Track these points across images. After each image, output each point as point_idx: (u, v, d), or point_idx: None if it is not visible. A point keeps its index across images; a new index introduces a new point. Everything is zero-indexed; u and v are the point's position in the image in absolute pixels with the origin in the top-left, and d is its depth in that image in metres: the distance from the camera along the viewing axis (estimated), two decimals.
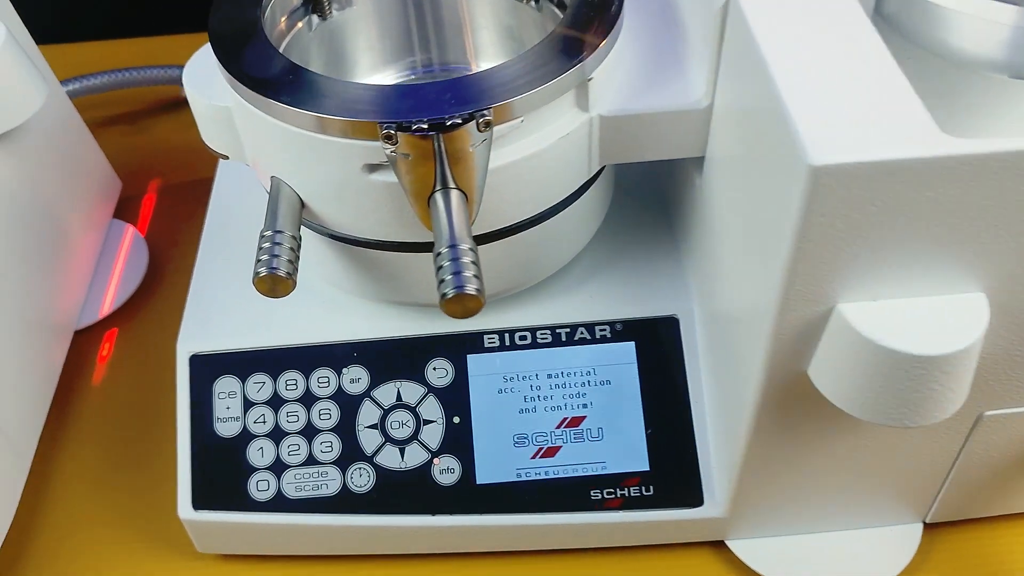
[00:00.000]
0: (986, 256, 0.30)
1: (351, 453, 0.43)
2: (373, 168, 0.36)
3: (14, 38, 0.47)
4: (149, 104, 0.72)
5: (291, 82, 0.36)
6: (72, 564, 0.46)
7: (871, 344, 0.30)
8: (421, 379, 0.43)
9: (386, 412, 0.43)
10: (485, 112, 0.34)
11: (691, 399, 0.43)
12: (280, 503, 0.43)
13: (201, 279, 0.46)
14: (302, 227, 0.38)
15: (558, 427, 0.43)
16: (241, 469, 0.43)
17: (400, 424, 0.43)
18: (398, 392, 0.43)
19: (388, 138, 0.33)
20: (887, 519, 0.44)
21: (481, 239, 0.39)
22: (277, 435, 0.43)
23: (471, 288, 0.32)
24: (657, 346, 0.43)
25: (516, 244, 0.40)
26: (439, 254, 0.33)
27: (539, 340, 0.43)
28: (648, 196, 0.48)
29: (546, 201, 0.39)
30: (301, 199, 0.38)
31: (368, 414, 0.43)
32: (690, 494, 0.42)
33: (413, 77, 0.48)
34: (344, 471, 0.43)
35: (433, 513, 0.42)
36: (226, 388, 0.43)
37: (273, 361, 0.43)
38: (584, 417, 0.43)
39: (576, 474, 0.42)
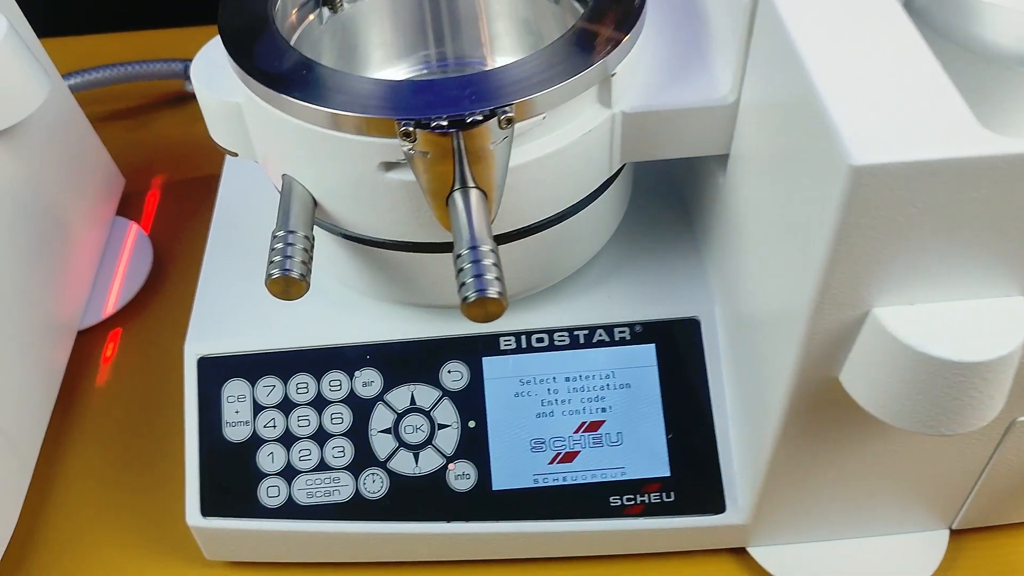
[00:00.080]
0: None
1: (364, 458, 0.42)
2: (390, 166, 0.35)
3: (16, 31, 0.46)
4: (152, 99, 0.71)
5: (304, 77, 0.35)
6: (76, 571, 0.45)
7: (908, 350, 0.29)
8: (436, 382, 0.42)
9: (400, 416, 0.42)
10: (507, 108, 0.32)
11: (713, 403, 0.42)
12: (291, 510, 0.42)
13: (208, 279, 0.45)
14: (314, 226, 0.37)
15: (576, 432, 0.42)
16: (251, 475, 0.42)
17: (414, 428, 0.42)
18: (412, 395, 0.42)
19: (406, 135, 0.32)
20: (913, 526, 0.43)
21: (499, 239, 0.37)
22: (288, 440, 0.42)
23: (493, 291, 0.31)
24: (678, 348, 0.42)
25: (534, 244, 0.39)
26: (459, 256, 0.32)
27: (557, 342, 0.42)
28: (667, 194, 0.47)
29: (566, 200, 0.38)
30: (314, 198, 0.37)
31: (381, 418, 0.42)
32: (712, 500, 0.41)
33: (425, 72, 0.46)
34: (357, 477, 0.42)
35: (448, 520, 0.41)
36: (235, 391, 0.42)
37: (283, 364, 0.42)
38: (603, 421, 0.42)
39: (595, 480, 0.41)
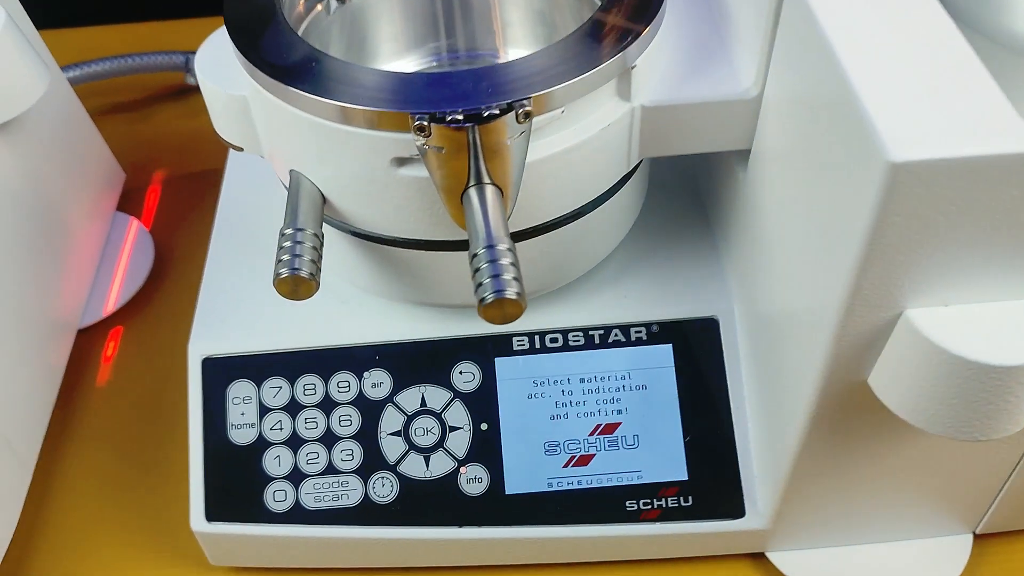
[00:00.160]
0: None
1: (373, 461, 0.41)
2: (402, 162, 0.33)
3: (14, 22, 0.45)
4: (153, 92, 0.70)
5: (314, 69, 0.33)
6: (77, 574, 0.44)
7: (943, 353, 0.28)
8: (447, 383, 0.41)
9: (410, 418, 0.41)
10: (525, 102, 0.31)
11: (732, 405, 0.41)
12: (298, 514, 0.40)
13: (212, 277, 0.44)
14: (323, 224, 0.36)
15: (591, 434, 0.41)
16: (257, 479, 0.41)
17: (425, 431, 0.41)
18: (422, 397, 0.41)
19: (420, 130, 0.31)
20: (936, 530, 0.42)
21: (513, 237, 0.36)
22: (295, 443, 0.41)
23: (511, 292, 0.30)
24: (696, 349, 0.41)
25: (549, 242, 0.38)
26: (475, 255, 0.31)
27: (571, 342, 0.41)
28: (683, 191, 0.46)
29: (583, 197, 0.37)
30: (323, 194, 0.36)
31: (391, 420, 0.41)
32: (731, 505, 0.40)
33: (435, 64, 0.45)
34: (366, 480, 0.40)
35: (460, 525, 0.40)
36: (240, 393, 0.41)
37: (290, 364, 0.41)
38: (619, 424, 0.41)
39: (611, 484, 0.40)
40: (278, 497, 0.41)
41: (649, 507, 0.40)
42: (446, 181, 0.33)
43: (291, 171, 0.36)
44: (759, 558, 0.42)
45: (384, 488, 0.40)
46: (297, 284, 0.33)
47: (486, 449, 0.40)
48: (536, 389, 0.41)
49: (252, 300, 0.43)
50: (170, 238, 0.59)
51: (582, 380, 0.41)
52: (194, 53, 0.65)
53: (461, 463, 0.40)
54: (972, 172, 0.25)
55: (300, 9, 0.40)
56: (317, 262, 0.33)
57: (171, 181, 0.63)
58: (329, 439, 0.41)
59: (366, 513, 0.40)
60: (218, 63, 0.37)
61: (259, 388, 0.41)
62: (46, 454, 0.48)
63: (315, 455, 0.41)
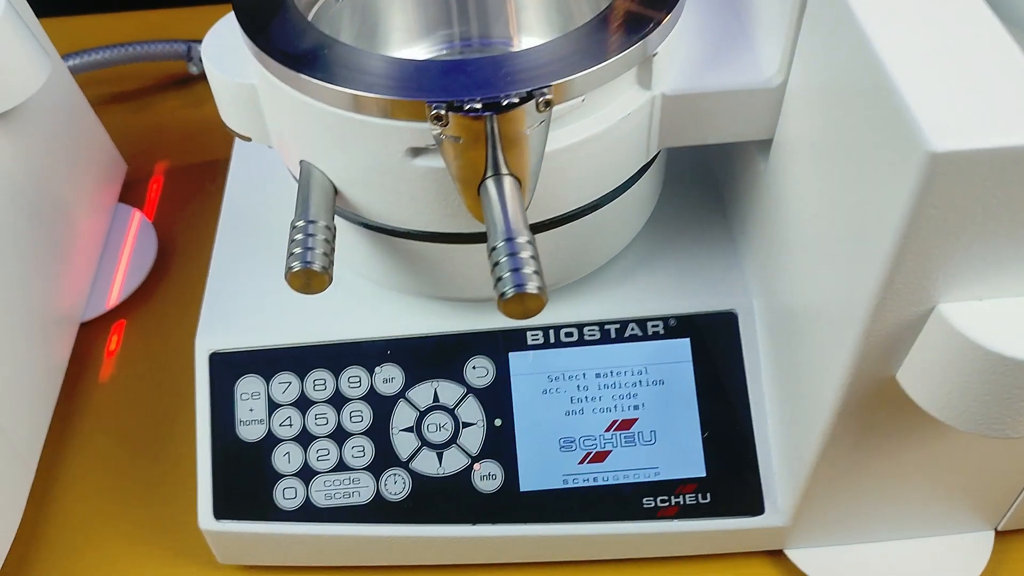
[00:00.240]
0: None
1: (385, 458, 0.40)
2: (417, 152, 0.33)
3: (14, 9, 0.44)
4: (155, 81, 0.69)
5: (326, 56, 0.33)
6: (81, 574, 0.43)
7: (977, 348, 0.28)
8: (460, 379, 0.40)
9: (422, 414, 0.40)
10: (545, 90, 0.30)
11: (751, 400, 0.40)
12: (308, 512, 0.40)
13: (219, 269, 0.43)
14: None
15: (607, 430, 0.40)
16: (266, 476, 0.40)
17: (437, 427, 0.40)
18: (435, 392, 0.40)
19: (437, 119, 0.30)
20: (957, 527, 0.41)
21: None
22: (305, 439, 0.40)
23: (532, 286, 0.29)
24: (714, 343, 0.40)
25: (566, 235, 0.37)
26: (494, 248, 0.30)
27: (587, 337, 0.40)
28: (700, 182, 0.45)
29: (601, 188, 0.36)
30: (334, 186, 0.35)
31: (403, 416, 0.40)
32: (750, 502, 0.39)
33: (447, 52, 0.44)
34: (377, 477, 0.40)
35: (473, 522, 0.40)
36: (249, 388, 0.40)
37: (300, 359, 0.40)
38: (635, 419, 0.40)
39: (627, 481, 0.40)
40: (288, 494, 0.40)
41: (666, 504, 0.39)
42: (463, 172, 0.32)
43: (301, 162, 0.35)
44: (778, 555, 0.42)
45: (396, 485, 0.40)
46: (310, 277, 0.32)
47: (500, 445, 0.40)
48: (551, 384, 0.40)
49: (260, 293, 0.42)
50: (173, 230, 0.58)
51: (598, 375, 0.40)
52: (196, 42, 0.65)
53: (475, 460, 0.40)
54: (1016, 163, 0.24)
55: None
56: (330, 255, 0.32)
57: (174, 172, 0.62)
58: (340, 435, 0.40)
59: (378, 511, 0.40)
60: (225, 51, 0.36)
61: (268, 383, 0.40)
62: (49, 450, 0.47)
63: (325, 452, 0.40)
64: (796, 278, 0.35)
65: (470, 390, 0.40)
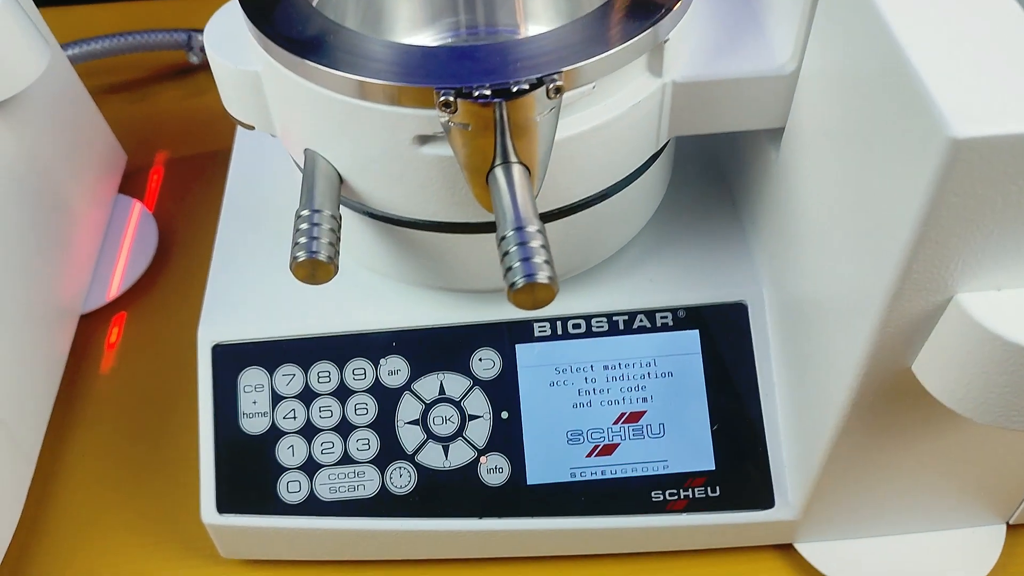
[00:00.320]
0: None
1: (390, 451, 0.39)
2: (424, 140, 0.32)
3: None
4: (154, 70, 0.68)
5: (332, 42, 0.32)
6: (81, 569, 0.43)
7: (995, 338, 0.27)
8: (466, 371, 0.40)
9: (428, 407, 0.39)
10: (555, 77, 0.30)
11: (761, 392, 0.39)
12: (313, 506, 0.39)
13: (221, 260, 0.43)
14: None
15: (616, 423, 0.39)
16: (270, 469, 0.39)
17: (443, 420, 0.39)
18: (441, 385, 0.39)
19: (445, 105, 0.30)
20: (968, 520, 0.41)
21: None
22: (309, 432, 0.39)
23: (543, 276, 0.28)
24: (723, 335, 0.40)
25: (574, 225, 0.37)
26: (504, 238, 0.29)
27: (594, 328, 0.40)
28: (708, 171, 0.45)
29: (610, 177, 0.36)
30: (340, 174, 0.35)
31: (408, 409, 0.39)
32: (760, 495, 0.39)
33: (452, 40, 0.44)
34: (383, 471, 0.39)
35: (480, 516, 0.39)
36: (252, 381, 0.40)
37: (304, 351, 0.40)
38: (644, 412, 0.39)
39: (636, 474, 0.39)
40: (292, 488, 0.39)
41: (675, 497, 0.39)
42: (471, 160, 0.31)
43: (306, 150, 0.35)
44: (787, 549, 0.41)
45: (401, 478, 0.39)
46: (315, 268, 0.31)
47: (507, 438, 0.39)
48: (558, 376, 0.40)
49: (263, 284, 0.41)
50: (174, 221, 0.57)
51: (606, 367, 0.40)
52: (197, 31, 0.64)
53: (481, 453, 0.39)
54: None
55: None
56: (335, 245, 0.32)
57: (174, 162, 0.61)
58: (344, 428, 0.39)
59: (383, 504, 0.39)
60: (228, 37, 0.36)
61: (271, 375, 0.40)
62: (49, 444, 0.47)
63: (330, 444, 0.39)
64: (809, 268, 0.35)
65: (476, 382, 0.40)
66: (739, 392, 0.39)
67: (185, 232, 0.57)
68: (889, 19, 0.27)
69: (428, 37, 0.43)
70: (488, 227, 0.35)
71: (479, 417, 0.39)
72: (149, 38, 0.64)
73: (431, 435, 0.39)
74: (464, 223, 0.35)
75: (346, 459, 0.39)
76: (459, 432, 0.39)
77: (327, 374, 0.40)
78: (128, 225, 0.56)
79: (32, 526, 0.44)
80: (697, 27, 0.35)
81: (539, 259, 0.29)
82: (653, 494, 0.39)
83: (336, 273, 0.32)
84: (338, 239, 0.32)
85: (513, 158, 0.31)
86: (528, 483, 0.39)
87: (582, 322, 0.40)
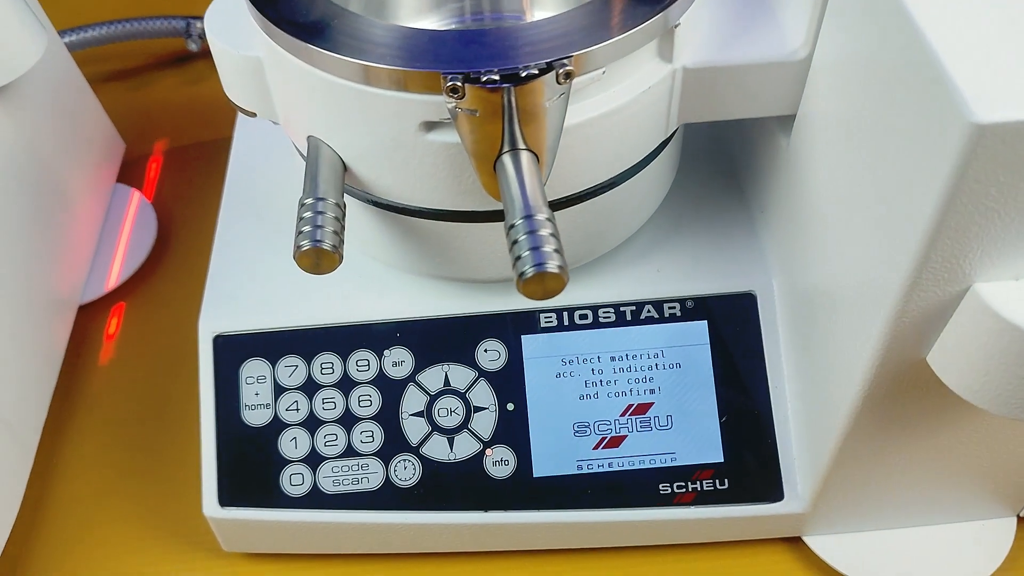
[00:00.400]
0: None
1: (394, 443, 0.39)
2: (431, 126, 0.31)
3: None
4: (153, 58, 0.67)
5: (336, 27, 0.31)
6: (83, 564, 0.42)
7: (1014, 329, 0.27)
8: (471, 362, 0.39)
9: (433, 398, 0.39)
10: (565, 61, 0.29)
11: (770, 384, 0.39)
12: (316, 499, 0.39)
13: (222, 250, 0.42)
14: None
15: (623, 415, 0.39)
16: (272, 462, 0.39)
17: (448, 411, 0.39)
18: (446, 376, 0.39)
19: (453, 91, 0.29)
20: (978, 513, 0.40)
21: None
22: (312, 424, 0.39)
23: (553, 265, 0.28)
24: (732, 325, 0.39)
25: (581, 214, 0.36)
26: (513, 226, 0.29)
27: (601, 319, 0.39)
28: (716, 159, 0.44)
29: (619, 165, 0.35)
30: (344, 162, 0.34)
31: (413, 400, 0.39)
32: (769, 488, 0.38)
33: (456, 26, 0.43)
34: (387, 463, 0.39)
35: (485, 509, 0.39)
36: (254, 372, 0.39)
37: (307, 342, 0.39)
38: (652, 404, 0.39)
39: (643, 466, 0.39)
40: (295, 481, 0.39)
41: (683, 490, 0.38)
42: (479, 146, 0.30)
43: (309, 137, 0.34)
44: (796, 542, 0.41)
45: (406, 471, 0.39)
46: (319, 257, 0.31)
47: (512, 430, 0.39)
48: (565, 368, 0.39)
49: (265, 274, 0.41)
50: (173, 210, 0.57)
51: (613, 358, 0.39)
52: (195, 18, 0.64)
53: (486, 445, 0.39)
54: None
55: None
56: (340, 233, 0.31)
57: (173, 151, 0.61)
58: (348, 420, 0.39)
59: (387, 497, 0.39)
60: (229, 23, 0.35)
61: (274, 367, 0.39)
62: (47, 436, 0.46)
63: (333, 437, 0.39)
64: (820, 257, 0.34)
65: (482, 374, 0.39)
66: (748, 383, 0.39)
67: (184, 222, 0.56)
68: (907, 2, 0.26)
69: (432, 23, 0.42)
70: (495, 215, 0.35)
71: (484, 409, 0.39)
72: (147, 25, 0.63)
73: (436, 427, 0.39)
74: (471, 211, 0.34)
75: (350, 451, 0.39)
76: (464, 424, 0.39)
77: (330, 365, 0.39)
78: (127, 215, 0.55)
79: (31, 518, 0.44)
80: (708, 12, 0.34)
81: (549, 248, 0.28)
82: (661, 487, 0.39)
83: (341, 262, 0.31)
84: (342, 228, 0.31)
85: (521, 145, 0.30)
86: (534, 476, 0.39)
87: (589, 313, 0.39)
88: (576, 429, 0.39)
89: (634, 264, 0.40)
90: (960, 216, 0.25)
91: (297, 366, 0.39)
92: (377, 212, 0.36)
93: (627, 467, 0.39)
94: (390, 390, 0.39)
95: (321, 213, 0.31)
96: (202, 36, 0.64)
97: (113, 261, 0.53)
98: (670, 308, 0.39)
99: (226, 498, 0.39)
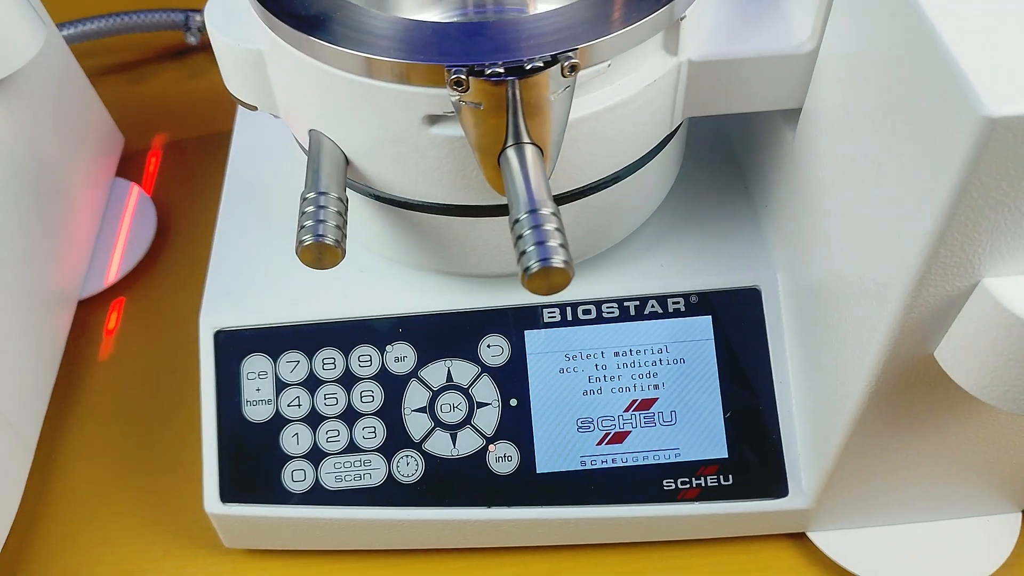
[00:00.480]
0: None
1: (397, 439, 0.39)
2: (434, 120, 0.31)
3: None
4: (151, 51, 0.67)
5: (339, 19, 0.31)
6: (82, 560, 0.42)
7: (1023, 325, 0.26)
8: (474, 357, 0.39)
9: (435, 394, 0.39)
10: (570, 54, 0.29)
11: (775, 379, 0.39)
12: (318, 495, 0.38)
13: (223, 245, 0.42)
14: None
15: (627, 410, 0.39)
16: (274, 457, 0.39)
17: (451, 407, 0.39)
18: (448, 372, 0.39)
19: (457, 84, 0.29)
20: (983, 509, 0.40)
21: None
22: (314, 420, 0.39)
23: (558, 260, 0.27)
24: (736, 320, 0.39)
25: (585, 208, 0.36)
26: (517, 221, 0.28)
27: (605, 314, 0.39)
28: (719, 153, 0.44)
29: (623, 159, 0.35)
30: (346, 156, 0.34)
31: (415, 396, 0.39)
32: (773, 484, 0.38)
33: (458, 19, 0.43)
34: (389, 459, 0.38)
35: (488, 505, 0.38)
36: (256, 368, 0.39)
37: (308, 337, 0.39)
38: (656, 399, 0.39)
39: (647, 462, 0.38)
40: (296, 477, 0.39)
41: (687, 486, 0.38)
42: (483, 140, 0.30)
43: (311, 131, 0.34)
44: (800, 538, 0.41)
45: (408, 467, 0.38)
46: (322, 252, 0.30)
47: (516, 426, 0.38)
48: (568, 363, 0.39)
49: (266, 269, 0.40)
50: (173, 205, 0.56)
51: (617, 353, 0.39)
52: (194, 11, 0.63)
53: (490, 441, 0.38)
54: None
55: None
56: (342, 228, 0.31)
57: (172, 145, 0.60)
58: (350, 416, 0.39)
59: (389, 493, 0.38)
60: (230, 15, 0.35)
61: (275, 362, 0.39)
62: (47, 432, 0.46)
63: (335, 432, 0.39)
64: (826, 252, 0.34)
65: (485, 369, 0.39)
66: (752, 379, 0.39)
67: (184, 216, 0.56)
68: None
69: (435, 15, 0.42)
70: (499, 210, 0.34)
71: (487, 405, 0.39)
72: (146, 18, 0.62)
73: (439, 423, 0.39)
74: (474, 206, 0.34)
75: (352, 447, 0.39)
76: (467, 420, 0.39)
77: (332, 361, 0.39)
78: (126, 209, 0.55)
79: (32, 515, 0.43)
80: (713, 5, 0.34)
81: (554, 242, 0.28)
82: (665, 483, 0.38)
83: (343, 257, 0.31)
84: (345, 222, 0.31)
85: (526, 138, 0.30)
86: (537, 472, 0.38)
87: (592, 308, 0.39)
88: (580, 425, 0.39)
89: (638, 259, 0.40)
90: (970, 211, 0.25)
91: (299, 361, 0.39)
92: (379, 206, 0.36)
93: (631, 463, 0.38)
94: (392, 386, 0.39)
95: (323, 208, 0.31)
96: (201, 29, 0.64)
97: (112, 256, 0.53)
98: (674, 303, 0.39)
99: (227, 494, 0.39)
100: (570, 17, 0.30)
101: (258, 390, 0.39)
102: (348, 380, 0.39)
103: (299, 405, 0.39)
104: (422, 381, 0.39)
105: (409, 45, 0.30)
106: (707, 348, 0.39)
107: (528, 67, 0.28)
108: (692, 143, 0.43)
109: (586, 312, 0.39)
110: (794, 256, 0.38)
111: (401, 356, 0.39)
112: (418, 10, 0.42)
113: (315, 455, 0.39)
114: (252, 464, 0.39)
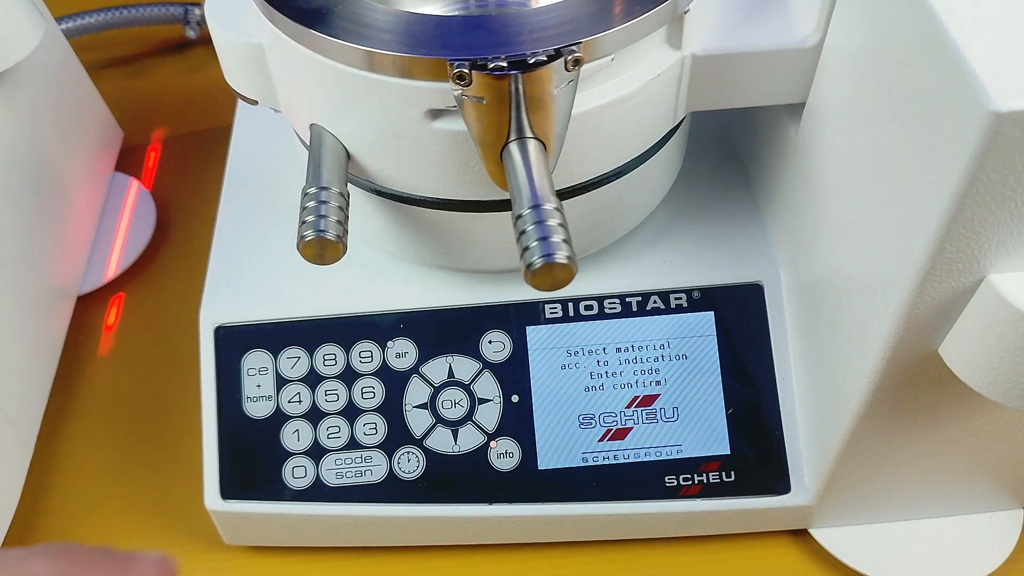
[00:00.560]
0: None
1: (398, 436, 0.38)
2: (436, 114, 0.31)
3: None
4: (151, 45, 0.67)
5: (340, 12, 0.31)
6: None
7: None
8: (475, 353, 0.39)
9: (437, 390, 0.38)
10: (574, 48, 0.29)
11: (777, 375, 0.38)
12: (318, 491, 0.38)
13: (223, 240, 0.41)
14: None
15: (628, 406, 0.38)
16: (275, 454, 0.38)
17: (452, 403, 0.38)
18: (450, 368, 0.39)
19: (459, 78, 0.28)
20: (985, 505, 0.40)
21: None
22: (315, 416, 0.38)
23: (561, 256, 0.27)
24: (739, 316, 0.39)
25: (587, 203, 0.35)
26: (520, 216, 0.28)
27: (607, 310, 0.39)
28: (721, 148, 0.44)
29: (626, 154, 0.34)
30: (347, 151, 0.33)
31: (416, 392, 0.38)
32: (776, 480, 0.38)
33: (461, 12, 0.42)
34: (390, 456, 0.38)
35: (490, 502, 0.38)
36: (256, 364, 0.39)
37: (309, 333, 0.39)
38: (657, 395, 0.38)
39: (649, 459, 0.38)
40: (297, 473, 0.38)
41: (689, 483, 0.38)
42: (485, 135, 0.30)
43: (312, 125, 0.34)
44: (802, 535, 0.41)
45: (410, 463, 0.38)
46: (323, 247, 0.30)
47: (517, 422, 0.38)
48: (570, 359, 0.39)
49: (267, 264, 0.40)
50: (172, 199, 0.56)
51: (619, 349, 0.39)
52: (193, 5, 0.63)
53: (491, 437, 0.38)
54: None
55: None
56: (344, 223, 0.31)
57: (172, 140, 0.60)
58: (351, 412, 0.38)
59: (390, 490, 0.38)
60: (230, 9, 0.35)
61: (276, 358, 0.39)
62: (47, 428, 0.46)
63: (336, 429, 0.38)
64: (830, 248, 0.34)
65: (486, 365, 0.39)
66: (754, 375, 0.38)
67: (184, 211, 0.56)
68: None
69: (437, 8, 0.42)
70: (501, 205, 0.34)
71: (489, 401, 0.38)
72: (145, 12, 0.62)
73: (440, 419, 0.38)
74: (476, 201, 0.34)
75: (353, 444, 0.38)
76: (468, 416, 0.38)
77: (333, 357, 0.39)
78: (125, 204, 0.55)
79: (31, 511, 0.43)
80: None
81: (557, 238, 0.27)
82: (667, 479, 0.38)
83: (345, 252, 0.31)
84: (346, 217, 0.31)
85: (528, 133, 0.30)
86: (539, 468, 0.38)
87: (594, 303, 0.39)
88: (581, 421, 0.38)
89: (640, 254, 0.40)
90: (976, 206, 0.25)
91: (299, 357, 0.39)
92: (381, 201, 0.36)
93: (633, 459, 0.38)
94: (393, 382, 0.39)
95: (325, 203, 0.31)
96: (200, 23, 0.63)
97: (112, 251, 0.52)
98: (676, 299, 0.39)
99: (228, 491, 0.38)
100: (573, 11, 0.30)
101: (259, 386, 0.39)
102: (349, 376, 0.39)
103: (300, 401, 0.39)
104: (423, 377, 0.39)
105: (411, 39, 0.30)
106: (709, 344, 0.39)
107: (531, 61, 0.28)
108: (695, 138, 0.43)
109: (588, 308, 0.39)
110: (797, 252, 0.37)
111: (402, 352, 0.39)
112: (420, 3, 0.41)
113: (316, 451, 0.38)
114: (252, 460, 0.38)
